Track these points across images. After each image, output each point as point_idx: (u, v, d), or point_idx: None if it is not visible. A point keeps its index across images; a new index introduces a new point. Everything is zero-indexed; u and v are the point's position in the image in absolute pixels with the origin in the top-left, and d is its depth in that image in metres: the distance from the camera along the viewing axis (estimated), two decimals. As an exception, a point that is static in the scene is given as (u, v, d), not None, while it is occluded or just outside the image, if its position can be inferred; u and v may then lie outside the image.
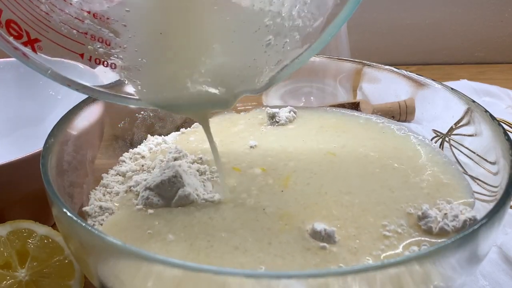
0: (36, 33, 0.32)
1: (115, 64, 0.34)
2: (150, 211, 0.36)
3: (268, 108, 0.49)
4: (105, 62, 0.34)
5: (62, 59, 0.58)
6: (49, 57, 0.54)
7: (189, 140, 0.47)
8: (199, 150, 0.44)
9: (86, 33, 0.33)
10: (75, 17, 0.32)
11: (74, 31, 0.32)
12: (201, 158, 0.42)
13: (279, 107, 0.50)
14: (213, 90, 0.34)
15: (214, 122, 0.50)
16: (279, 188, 0.38)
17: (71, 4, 0.32)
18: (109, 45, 0.33)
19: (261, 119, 0.49)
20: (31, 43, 0.32)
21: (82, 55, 0.33)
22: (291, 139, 0.45)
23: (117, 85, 0.37)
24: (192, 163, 0.41)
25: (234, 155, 0.43)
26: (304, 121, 0.49)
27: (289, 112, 0.49)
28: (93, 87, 0.35)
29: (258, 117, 0.50)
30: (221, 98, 0.35)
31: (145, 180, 0.39)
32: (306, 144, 0.44)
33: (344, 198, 0.37)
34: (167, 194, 0.37)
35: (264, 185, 0.39)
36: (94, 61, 0.34)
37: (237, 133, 0.47)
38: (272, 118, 0.48)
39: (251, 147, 0.44)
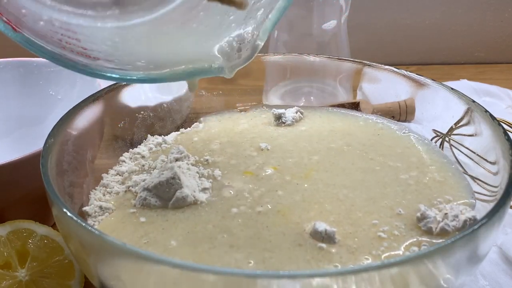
0: (16, 23, 0.31)
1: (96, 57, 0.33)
2: (142, 219, 0.36)
3: (274, 109, 0.49)
4: (86, 54, 0.33)
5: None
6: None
7: (193, 140, 0.46)
8: (206, 151, 0.44)
9: (57, 32, 0.32)
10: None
11: (49, 29, 0.32)
12: (207, 160, 0.42)
13: (282, 107, 0.50)
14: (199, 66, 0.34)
15: (215, 121, 0.50)
16: (294, 183, 0.38)
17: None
18: (80, 41, 0.33)
19: (264, 118, 0.49)
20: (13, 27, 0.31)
21: (63, 48, 0.33)
22: (305, 140, 0.45)
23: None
24: (194, 164, 0.41)
25: (243, 158, 0.42)
26: (312, 122, 0.48)
27: (296, 112, 0.48)
28: (72, 57, 0.33)
29: (261, 116, 0.50)
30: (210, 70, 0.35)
31: (144, 180, 0.39)
32: (320, 145, 0.44)
33: (342, 192, 0.37)
34: (165, 195, 0.37)
35: (277, 183, 0.39)
36: (76, 53, 0.33)
37: (243, 134, 0.46)
38: (279, 119, 0.48)
39: (261, 149, 0.43)
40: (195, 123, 0.49)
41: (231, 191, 0.38)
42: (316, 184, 0.38)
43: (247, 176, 0.40)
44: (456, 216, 0.34)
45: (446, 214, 0.34)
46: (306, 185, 0.38)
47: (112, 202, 0.38)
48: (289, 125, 0.47)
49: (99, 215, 0.37)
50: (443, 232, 0.33)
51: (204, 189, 0.38)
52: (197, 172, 0.40)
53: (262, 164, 0.41)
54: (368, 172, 0.40)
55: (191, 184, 0.38)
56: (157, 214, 0.36)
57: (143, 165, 0.43)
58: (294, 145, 0.44)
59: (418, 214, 0.34)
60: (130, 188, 0.39)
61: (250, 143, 0.44)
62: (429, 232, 0.33)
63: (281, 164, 0.41)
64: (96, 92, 0.43)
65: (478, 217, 0.34)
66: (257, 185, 0.38)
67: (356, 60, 0.50)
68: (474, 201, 0.37)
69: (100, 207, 0.37)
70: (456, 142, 0.43)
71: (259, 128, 0.47)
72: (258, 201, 0.37)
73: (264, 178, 0.39)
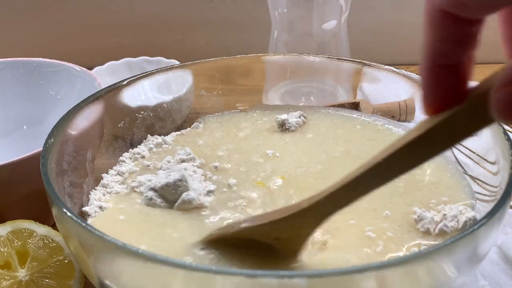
0: None
1: None
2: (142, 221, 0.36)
3: (277, 116, 0.48)
4: None
5: (60, 62, 0.58)
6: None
7: (199, 144, 0.46)
8: (215, 157, 0.43)
9: None
10: None
11: None
12: (216, 167, 0.42)
13: (282, 107, 0.50)
14: None
15: (215, 122, 0.49)
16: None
17: None
18: None
19: (266, 122, 0.49)
20: None
21: None
22: (314, 148, 0.44)
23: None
24: (200, 167, 0.41)
25: (252, 165, 0.42)
26: (317, 128, 0.47)
27: (299, 117, 0.48)
28: None
29: (263, 120, 0.49)
30: None
31: (149, 180, 0.39)
32: (327, 154, 0.43)
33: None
34: (171, 197, 0.37)
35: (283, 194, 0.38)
36: None
37: (248, 140, 0.46)
38: (282, 125, 0.47)
39: (268, 156, 0.43)
40: (195, 123, 0.49)
41: (244, 202, 0.38)
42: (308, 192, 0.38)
43: (260, 188, 0.39)
44: (456, 216, 0.34)
45: (445, 215, 0.34)
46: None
47: (112, 203, 0.38)
48: (293, 131, 0.47)
49: (99, 215, 0.37)
50: (442, 233, 0.33)
51: (209, 192, 0.38)
52: (203, 175, 0.40)
53: (271, 172, 0.41)
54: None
55: (197, 187, 0.38)
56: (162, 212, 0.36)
57: (148, 165, 0.42)
58: (303, 154, 0.43)
59: (415, 216, 0.34)
60: (135, 188, 0.39)
61: (256, 150, 0.44)
62: (427, 233, 0.33)
63: (290, 174, 0.41)
64: (96, 92, 0.43)
65: (478, 217, 0.34)
66: (271, 198, 0.38)
67: (356, 60, 0.50)
68: (474, 201, 0.37)
69: (100, 207, 0.37)
70: (456, 142, 0.43)
71: (264, 135, 0.47)
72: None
73: (275, 192, 0.39)
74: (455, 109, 0.22)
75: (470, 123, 0.22)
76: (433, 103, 0.23)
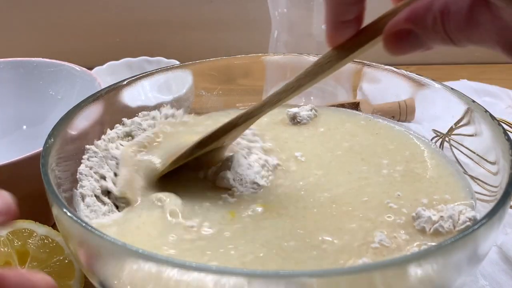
0: None
1: None
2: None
3: (288, 109, 0.48)
4: None
5: (60, 62, 0.58)
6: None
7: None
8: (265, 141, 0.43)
9: None
10: None
11: None
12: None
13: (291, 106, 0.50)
14: None
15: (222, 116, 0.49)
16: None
17: None
18: None
19: (277, 113, 0.48)
20: None
21: None
22: (335, 147, 0.44)
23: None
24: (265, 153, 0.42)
25: (288, 173, 0.41)
26: (327, 123, 0.47)
27: (310, 110, 0.48)
28: None
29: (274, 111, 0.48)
30: None
31: None
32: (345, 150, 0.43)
33: (338, 193, 0.37)
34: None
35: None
36: None
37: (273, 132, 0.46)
38: (294, 119, 0.47)
39: (297, 159, 0.42)
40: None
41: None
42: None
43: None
44: (455, 216, 0.34)
45: (442, 216, 0.34)
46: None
47: None
48: (305, 124, 0.47)
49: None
50: (437, 233, 0.33)
51: (258, 184, 0.38)
52: (259, 163, 0.40)
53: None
54: (370, 173, 0.40)
55: (243, 172, 0.38)
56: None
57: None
58: (329, 155, 0.43)
59: (413, 214, 0.34)
60: None
61: (289, 147, 0.43)
62: (422, 231, 0.33)
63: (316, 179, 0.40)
64: (96, 92, 0.43)
65: (478, 217, 0.34)
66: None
67: (356, 60, 0.50)
68: (474, 201, 0.37)
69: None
70: (456, 142, 0.43)
71: (276, 130, 0.46)
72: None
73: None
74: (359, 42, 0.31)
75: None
76: (336, 41, 0.31)
